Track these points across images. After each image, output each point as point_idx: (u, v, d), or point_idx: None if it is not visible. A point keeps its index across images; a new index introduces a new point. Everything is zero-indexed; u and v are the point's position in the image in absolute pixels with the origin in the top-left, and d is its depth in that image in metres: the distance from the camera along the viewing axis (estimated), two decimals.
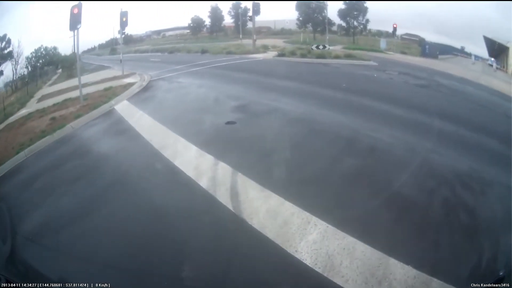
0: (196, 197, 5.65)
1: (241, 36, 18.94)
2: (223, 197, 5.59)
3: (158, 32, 19.76)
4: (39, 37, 13.44)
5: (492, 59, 14.50)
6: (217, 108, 9.75)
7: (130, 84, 12.70)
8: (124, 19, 14.16)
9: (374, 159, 6.87)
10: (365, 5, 17.78)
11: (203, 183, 6.05)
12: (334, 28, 18.75)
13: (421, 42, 16.66)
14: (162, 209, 5.51)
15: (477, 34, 13.97)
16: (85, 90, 12.20)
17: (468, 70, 14.70)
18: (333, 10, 18.42)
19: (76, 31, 11.14)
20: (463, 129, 8.58)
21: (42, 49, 14.22)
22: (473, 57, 15.15)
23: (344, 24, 18.31)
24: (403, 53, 16.76)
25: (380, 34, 18.03)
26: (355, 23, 18.12)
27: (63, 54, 14.71)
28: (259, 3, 17.44)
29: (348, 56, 16.07)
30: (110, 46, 18.28)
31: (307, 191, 5.75)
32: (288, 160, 6.67)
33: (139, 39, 19.35)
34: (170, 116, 9.34)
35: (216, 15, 19.61)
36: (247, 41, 18.68)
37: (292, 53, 16.64)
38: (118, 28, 15.11)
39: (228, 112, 9.29)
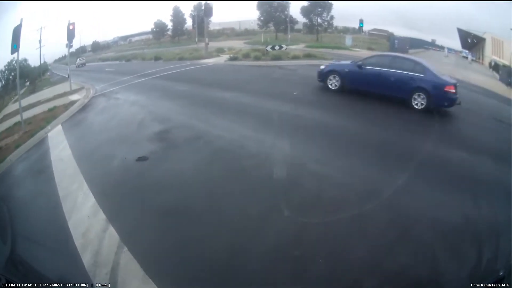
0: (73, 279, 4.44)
1: (196, 39, 18.21)
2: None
3: (125, 38, 19.12)
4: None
5: (466, 51, 14.29)
6: (138, 135, 8.37)
7: (72, 103, 11.64)
8: (71, 28, 13.16)
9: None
10: (329, 1, 17.37)
11: (86, 259, 4.71)
12: (299, 26, 18.27)
13: (389, 37, 16.13)
14: None
15: (449, 27, 13.86)
16: (33, 111, 11.40)
17: (441, 63, 13.88)
18: (296, 8, 17.99)
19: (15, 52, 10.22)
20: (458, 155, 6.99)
21: (14, 62, 13.02)
22: (446, 50, 14.85)
23: (307, 22, 17.86)
24: (370, 49, 15.74)
25: (347, 30, 17.59)
26: (319, 20, 17.65)
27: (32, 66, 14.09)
28: (211, 4, 16.71)
29: (308, 56, 14.95)
30: (79, 54, 17.61)
31: None
32: (193, 230, 4.89)
33: (107, 46, 18.65)
34: (87, 149, 8.14)
35: (178, 18, 18.88)
36: (209, 44, 17.81)
37: (246, 56, 15.44)
38: (70, 39, 13.80)
39: (147, 141, 7.87)
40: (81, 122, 10.05)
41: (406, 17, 14.20)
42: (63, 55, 16.42)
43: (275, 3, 17.79)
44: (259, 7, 18.04)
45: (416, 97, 9.17)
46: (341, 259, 4.26)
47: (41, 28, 12.88)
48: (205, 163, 6.62)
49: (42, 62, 13.12)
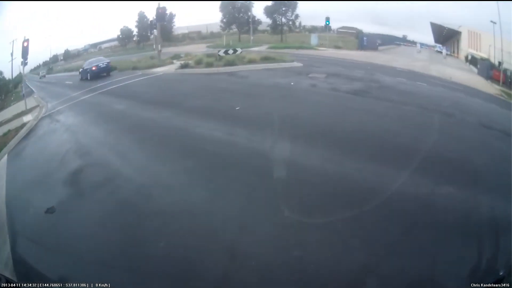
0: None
1: (154, 46, 16.95)
2: None
3: (95, 45, 18.17)
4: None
5: (440, 45, 13.95)
6: (56, 175, 7.39)
7: (23, 126, 10.89)
8: (25, 44, 12.40)
9: None
10: (294, 0, 16.52)
11: None
12: (264, 27, 17.35)
13: (358, 34, 15.52)
14: None
15: (422, 22, 13.36)
16: None
17: (414, 60, 13.72)
18: (261, 8, 17.09)
19: None
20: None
21: None
22: (418, 45, 14.35)
23: (271, 22, 16.90)
24: (337, 47, 15.46)
25: (315, 29, 16.85)
26: (284, 20, 16.75)
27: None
28: (165, 8, 15.93)
29: (265, 59, 13.81)
30: (53, 63, 16.99)
31: None
32: None
33: (77, 54, 17.71)
34: (14, 190, 7.26)
35: (143, 24, 17.88)
36: (169, 50, 17.12)
37: (199, 63, 14.10)
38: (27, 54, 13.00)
39: (61, 185, 6.92)
40: (19, 154, 9.27)
41: (376, 13, 13.59)
42: (39, 64, 16.18)
43: (238, 3, 17.00)
44: (222, 9, 17.21)
45: None
46: None
47: (13, 41, 12.42)
48: (103, 223, 5.55)
49: (16, 74, 12.78)
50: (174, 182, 6.27)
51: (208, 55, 14.18)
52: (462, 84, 11.64)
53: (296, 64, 13.51)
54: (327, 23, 15.30)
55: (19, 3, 12.76)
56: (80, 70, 14.46)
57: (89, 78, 13.88)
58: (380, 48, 14.78)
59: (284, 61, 13.40)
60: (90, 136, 9.04)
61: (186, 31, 18.20)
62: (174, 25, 17.70)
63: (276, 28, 16.55)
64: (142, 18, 17.46)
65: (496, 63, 11.76)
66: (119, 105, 11.10)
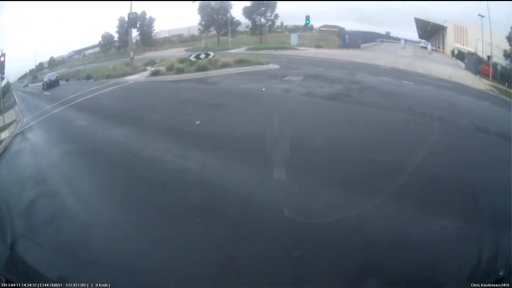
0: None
1: (131, 53, 16.35)
2: None
3: (79, 52, 17.96)
4: None
5: (425, 41, 13.70)
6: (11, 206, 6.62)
7: None
8: (2, 59, 12.13)
9: None
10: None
11: None
12: (244, 28, 16.88)
13: (340, 32, 15.14)
14: None
15: (405, 18, 13.09)
16: None
17: (398, 56, 13.37)
18: (240, 9, 16.69)
19: None
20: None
21: None
22: (402, 41, 14.06)
23: (250, 23, 16.48)
24: (318, 47, 14.99)
25: (297, 29, 16.37)
26: (263, 20, 16.29)
27: None
28: (136, 13, 15.28)
29: (240, 62, 13.13)
30: (38, 71, 16.69)
31: None
32: None
33: (62, 61, 17.45)
34: None
35: (123, 29, 17.43)
36: (148, 54, 16.84)
37: (170, 69, 13.40)
38: None
39: (15, 216, 6.25)
40: None
41: (359, 11, 13.26)
42: (26, 73, 16.12)
43: (217, 5, 16.53)
44: (200, 11, 16.73)
45: None
46: None
47: None
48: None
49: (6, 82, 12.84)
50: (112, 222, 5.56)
51: (181, 60, 13.43)
52: (450, 80, 11.20)
53: (272, 66, 12.94)
54: (307, 22, 14.74)
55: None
56: (42, 82, 14.93)
57: (46, 88, 14.62)
58: (362, 45, 14.36)
59: (260, 64, 12.81)
60: (48, 160, 8.36)
61: (167, 34, 17.78)
62: (153, 29, 17.21)
63: (255, 29, 16.12)
64: (122, 23, 16.88)
65: (485, 57, 11.57)
66: (82, 121, 10.46)
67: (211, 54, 13.02)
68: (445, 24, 12.84)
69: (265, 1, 15.88)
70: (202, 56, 12.88)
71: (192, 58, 12.84)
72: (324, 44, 14.82)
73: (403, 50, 13.47)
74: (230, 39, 15.87)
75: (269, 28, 15.89)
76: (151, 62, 15.18)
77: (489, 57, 11.44)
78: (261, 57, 13.46)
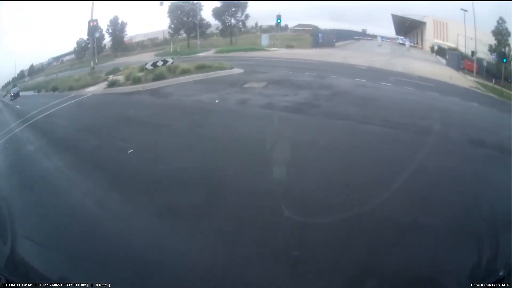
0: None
1: (96, 61, 15.85)
2: None
3: (57, 58, 17.40)
4: None
5: (402, 37, 13.32)
6: None
7: None
8: None
9: None
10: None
11: None
12: (215, 29, 16.22)
13: (313, 31, 14.37)
14: None
15: (383, 14, 12.53)
16: None
17: (375, 54, 12.76)
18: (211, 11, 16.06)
19: None
20: None
21: None
22: (379, 38, 13.56)
23: (220, 24, 15.84)
24: (290, 47, 14.26)
25: (271, 29, 15.64)
26: (233, 21, 15.68)
27: None
28: (97, 20, 14.75)
29: (201, 68, 12.33)
30: (19, 79, 16.40)
31: None
32: None
33: (41, 69, 16.97)
34: None
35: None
36: (120, 60, 16.16)
37: (128, 79, 12.55)
38: None
39: None
40: None
41: (333, 9, 12.71)
42: (9, 81, 15.91)
43: (187, 7, 15.90)
44: (170, 14, 16.10)
45: None
46: None
47: None
48: None
49: None
50: None
51: (141, 69, 12.58)
52: (432, 78, 10.51)
53: (236, 70, 12.14)
54: (278, 21, 14.15)
55: None
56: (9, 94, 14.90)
57: (12, 99, 14.24)
58: (337, 44, 13.63)
59: (222, 69, 11.98)
60: None
61: (144, 38, 17.19)
62: (126, 34, 16.55)
63: (225, 30, 15.49)
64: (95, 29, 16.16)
65: (469, 53, 11.24)
66: (27, 147, 9.29)
67: (169, 60, 12.31)
68: (424, 20, 12.44)
69: (235, 1, 15.24)
70: (160, 63, 12.15)
71: (149, 66, 12.11)
72: (297, 44, 14.16)
73: (380, 48, 13.07)
74: (199, 42, 15.20)
75: (239, 29, 15.24)
76: (115, 71, 14.42)
77: (473, 53, 11.06)
78: (225, 61, 12.61)
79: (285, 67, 11.98)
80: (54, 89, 14.69)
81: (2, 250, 5.11)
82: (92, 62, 14.15)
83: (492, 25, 10.54)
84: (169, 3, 15.93)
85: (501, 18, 10.50)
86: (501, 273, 3.90)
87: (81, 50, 16.61)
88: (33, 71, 16.63)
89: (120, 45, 16.76)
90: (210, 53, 14.84)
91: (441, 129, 7.35)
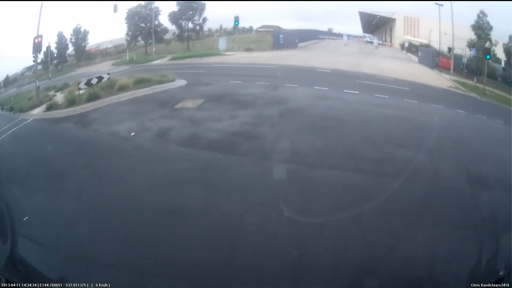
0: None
1: (49, 76, 15.13)
2: None
3: (30, 68, 16.60)
4: None
5: (370, 35, 12.91)
6: None
7: None
8: None
9: None
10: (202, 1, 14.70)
11: None
12: (172, 35, 15.41)
13: (273, 32, 13.53)
14: None
15: (347, 13, 12.00)
16: None
17: (340, 54, 11.98)
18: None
19: None
20: None
21: None
22: (345, 37, 12.93)
23: (177, 29, 14.96)
24: (248, 49, 13.25)
25: (234, 32, 14.86)
26: (190, 25, 14.78)
27: None
28: (41, 36, 13.59)
29: (140, 83, 11.01)
30: None
31: None
32: None
33: (15, 80, 16.15)
34: None
35: (61, 45, 16.33)
36: (82, 70, 14.85)
37: (65, 99, 11.14)
38: None
39: None
40: None
41: (299, 9, 11.95)
42: None
43: (145, 13, 15.10)
44: (127, 20, 15.27)
45: None
46: None
47: None
48: None
49: None
50: None
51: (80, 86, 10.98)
52: (406, 80, 9.44)
53: (177, 83, 10.83)
54: (236, 23, 13.20)
55: None
56: None
57: None
58: (300, 45, 12.89)
59: (163, 82, 10.69)
60: None
61: (111, 45, 16.35)
62: (87, 42, 15.67)
63: (182, 35, 14.67)
64: (61, 38, 15.80)
65: (443, 49, 10.74)
66: None
67: (105, 77, 11.02)
68: (393, 16, 12.03)
69: (192, 5, 14.47)
70: (94, 81, 10.80)
71: (82, 85, 10.68)
72: (257, 46, 13.15)
73: (346, 47, 12.68)
74: (154, 49, 14.29)
75: (197, 33, 14.31)
76: (64, 86, 13.14)
77: (449, 49, 10.58)
78: (168, 73, 11.22)
79: (235, 75, 10.75)
80: (11, 109, 13.07)
81: (2, 250, 5.08)
82: (37, 82, 12.72)
83: (469, 20, 10.05)
84: (126, 9, 14.95)
85: (482, 12, 10.07)
86: (501, 273, 3.90)
87: (48, 60, 15.65)
88: (8, 81, 15.64)
89: (82, 54, 15.91)
90: (165, 60, 13.93)
91: (427, 162, 5.87)
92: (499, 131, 6.90)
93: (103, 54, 16.04)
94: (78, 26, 15.27)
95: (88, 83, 10.74)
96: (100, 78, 10.90)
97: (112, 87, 11.00)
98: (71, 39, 15.64)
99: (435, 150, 6.04)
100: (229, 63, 12.24)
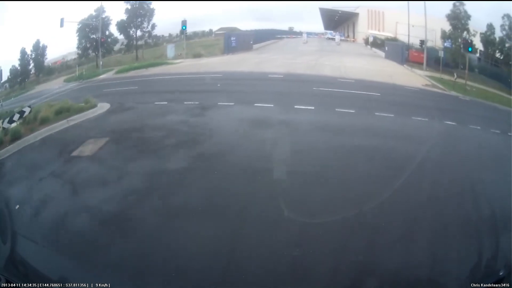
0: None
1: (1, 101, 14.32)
2: None
3: (2, 85, 16.32)
4: None
5: (331, 31, 12.44)
6: None
7: None
8: None
9: None
10: (150, 6, 13.87)
11: None
12: (121, 45, 14.77)
13: (225, 35, 12.92)
14: None
15: (307, 11, 11.46)
16: None
17: (298, 54, 11.31)
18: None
19: None
20: None
21: None
22: (305, 35, 12.46)
23: (125, 38, 14.29)
24: (197, 56, 12.41)
25: (195, 35, 14.40)
26: (139, 33, 14.08)
27: None
28: None
29: (60, 113, 9.52)
30: None
31: None
32: None
33: None
34: None
35: (24, 61, 15.66)
36: (40, 87, 14.11)
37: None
38: None
39: None
40: None
41: (256, 9, 11.54)
42: None
43: (94, 24, 14.54)
44: (78, 32, 14.60)
45: None
46: None
47: None
48: None
49: None
50: None
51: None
52: (374, 81, 8.36)
53: (98, 110, 9.36)
54: (184, 28, 12.37)
55: None
56: None
57: None
58: (256, 46, 12.28)
59: (82, 111, 9.27)
60: None
61: (74, 56, 15.66)
62: (46, 58, 14.94)
63: (131, 45, 13.93)
64: (23, 54, 15.08)
65: (413, 42, 10.12)
66: None
67: (27, 110, 9.51)
68: (356, 11, 11.68)
69: (141, 11, 13.82)
70: (16, 117, 9.25)
71: (6, 125, 9.10)
72: (208, 51, 12.26)
73: (305, 45, 12.01)
74: (102, 62, 13.48)
75: (146, 41, 13.58)
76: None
77: (422, 42, 9.96)
78: (91, 96, 9.67)
79: (167, 92, 9.33)
80: None
81: (2, 250, 5.04)
82: None
83: (440, 10, 9.45)
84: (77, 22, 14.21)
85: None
86: (501, 273, 3.89)
87: (14, 77, 15.07)
88: None
89: (42, 69, 15.30)
90: (111, 74, 13.02)
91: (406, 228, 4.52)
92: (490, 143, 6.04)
93: (65, 67, 15.41)
94: (37, 41, 14.57)
95: (11, 121, 9.12)
96: (21, 113, 9.46)
97: (34, 121, 9.46)
98: (30, 55, 15.00)
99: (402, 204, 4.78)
100: (171, 74, 11.06)
